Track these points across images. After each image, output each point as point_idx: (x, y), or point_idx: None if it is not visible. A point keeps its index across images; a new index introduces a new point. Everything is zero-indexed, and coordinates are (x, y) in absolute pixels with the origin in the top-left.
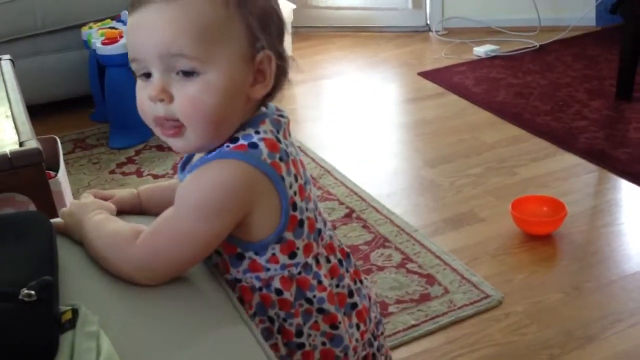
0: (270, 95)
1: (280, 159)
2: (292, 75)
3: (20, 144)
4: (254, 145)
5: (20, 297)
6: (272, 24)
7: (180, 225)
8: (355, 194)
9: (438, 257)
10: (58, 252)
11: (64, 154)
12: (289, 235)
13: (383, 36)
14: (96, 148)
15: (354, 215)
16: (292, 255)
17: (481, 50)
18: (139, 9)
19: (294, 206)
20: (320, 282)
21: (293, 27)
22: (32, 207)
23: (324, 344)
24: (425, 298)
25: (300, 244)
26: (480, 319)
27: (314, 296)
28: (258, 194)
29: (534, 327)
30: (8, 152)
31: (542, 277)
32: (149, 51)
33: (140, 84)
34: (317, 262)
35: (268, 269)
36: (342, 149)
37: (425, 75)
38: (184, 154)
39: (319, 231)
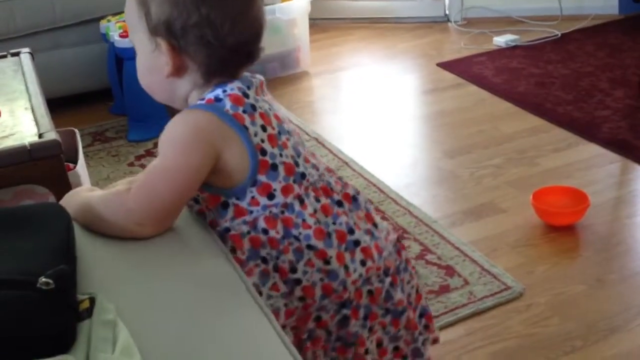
0: (217, 72)
1: (244, 111)
2: (308, 67)
3: (40, 136)
4: (218, 100)
5: (38, 285)
6: (159, 10)
7: (163, 162)
8: (374, 185)
9: (457, 249)
10: (76, 242)
11: (83, 147)
12: (262, 178)
13: (401, 27)
14: (115, 141)
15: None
16: (271, 196)
17: (501, 40)
18: None
19: (263, 152)
20: (304, 220)
21: (311, 19)
22: (52, 199)
23: (322, 279)
24: (444, 289)
25: (277, 185)
26: (501, 311)
27: (300, 233)
28: (223, 138)
29: (555, 319)
30: (27, 143)
31: (564, 269)
32: None
33: None
34: (302, 202)
35: (251, 212)
36: (360, 141)
37: (444, 66)
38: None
39: (302, 175)
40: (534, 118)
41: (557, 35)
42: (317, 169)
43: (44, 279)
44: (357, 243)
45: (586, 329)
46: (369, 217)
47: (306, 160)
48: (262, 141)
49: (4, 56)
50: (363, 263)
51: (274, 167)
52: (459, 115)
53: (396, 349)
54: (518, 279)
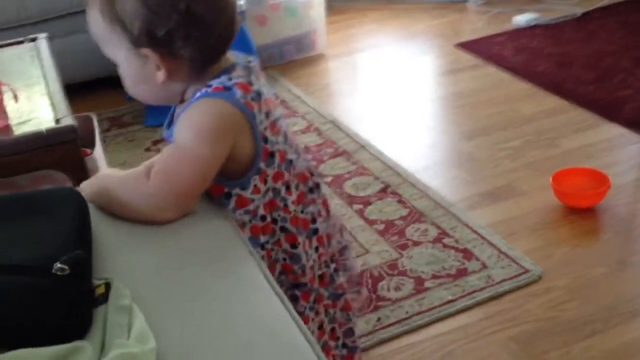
0: (209, 62)
1: (252, 99)
2: (325, 49)
3: (57, 122)
4: (228, 89)
5: (53, 271)
6: (136, 22)
7: (185, 151)
8: (391, 168)
9: (475, 232)
10: (91, 227)
11: (100, 132)
12: (262, 165)
13: (418, 7)
14: (132, 126)
15: (389, 190)
16: (265, 182)
17: (521, 20)
18: None
19: (265, 139)
20: (286, 206)
21: (327, 1)
22: (69, 185)
23: (284, 259)
24: (462, 273)
25: (270, 172)
26: (519, 295)
27: (279, 216)
28: (239, 126)
29: (575, 302)
30: (44, 129)
31: (584, 252)
32: None
33: None
34: (288, 188)
35: (253, 200)
36: (377, 123)
37: (462, 46)
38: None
39: (290, 162)
40: (553, 98)
41: (578, 14)
42: (298, 154)
43: (59, 265)
44: (315, 231)
45: (606, 312)
46: (325, 204)
47: (290, 146)
48: (265, 129)
49: (21, 42)
50: (316, 250)
51: (272, 154)
52: (478, 97)
53: (332, 329)
54: (537, 262)
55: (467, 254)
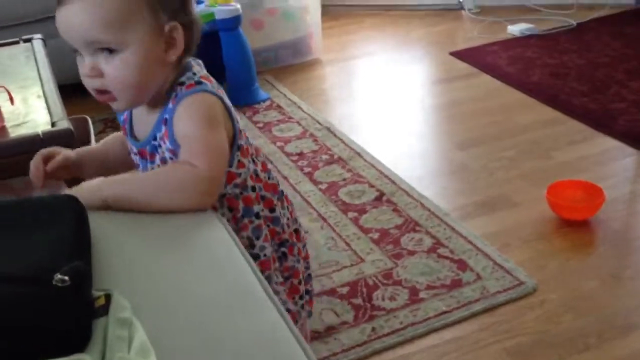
0: (187, 52)
1: (218, 87)
2: (320, 54)
3: (52, 124)
4: (199, 83)
5: (53, 282)
6: None
7: (200, 139)
8: (386, 176)
9: (470, 242)
10: (91, 236)
11: (95, 134)
12: (241, 142)
13: (414, 15)
14: None
15: (384, 198)
16: (245, 156)
17: (516, 29)
18: (62, 5)
19: (236, 120)
20: (257, 175)
21: (323, 5)
22: (64, 188)
23: (268, 225)
24: (456, 284)
25: (243, 147)
26: (514, 307)
27: (254, 185)
28: (222, 112)
29: (569, 315)
30: (40, 132)
31: (578, 264)
32: (75, 40)
33: (79, 60)
34: (253, 161)
35: (239, 174)
36: (372, 131)
37: (457, 55)
38: (123, 112)
39: (247, 138)
40: (548, 109)
41: (573, 24)
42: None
43: (59, 276)
44: (282, 193)
45: (601, 325)
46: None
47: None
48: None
49: (16, 42)
50: (287, 208)
51: (240, 132)
52: (472, 106)
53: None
54: (531, 274)
55: (462, 265)
